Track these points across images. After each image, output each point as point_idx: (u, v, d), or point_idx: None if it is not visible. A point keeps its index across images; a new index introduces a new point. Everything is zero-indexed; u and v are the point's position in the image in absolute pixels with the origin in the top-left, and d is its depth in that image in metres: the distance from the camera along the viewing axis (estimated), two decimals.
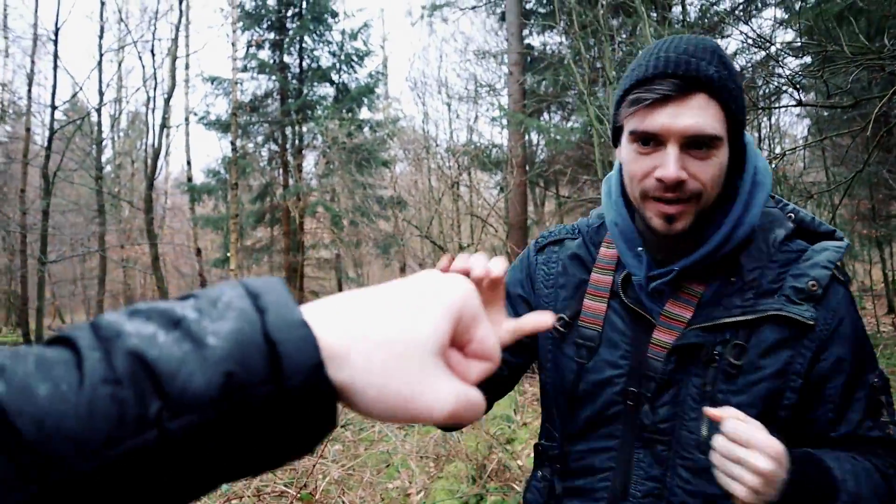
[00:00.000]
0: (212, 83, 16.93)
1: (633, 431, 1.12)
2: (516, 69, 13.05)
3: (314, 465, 4.12)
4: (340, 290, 22.32)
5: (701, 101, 0.98)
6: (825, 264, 1.05)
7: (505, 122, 14.06)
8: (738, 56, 10.87)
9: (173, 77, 16.29)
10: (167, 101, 15.09)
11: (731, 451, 0.89)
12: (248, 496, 3.22)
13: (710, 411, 0.93)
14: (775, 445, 0.89)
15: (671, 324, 1.10)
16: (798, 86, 4.55)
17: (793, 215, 1.16)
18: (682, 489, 1.07)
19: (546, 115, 16.62)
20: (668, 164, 0.99)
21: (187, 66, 19.45)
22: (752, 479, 0.86)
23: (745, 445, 0.88)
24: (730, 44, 11.96)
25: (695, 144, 1.00)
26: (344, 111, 16.62)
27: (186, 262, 25.17)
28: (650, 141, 1.02)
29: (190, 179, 20.69)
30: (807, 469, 0.94)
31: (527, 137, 14.40)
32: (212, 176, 17.95)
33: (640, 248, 1.14)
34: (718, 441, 0.90)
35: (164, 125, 14.50)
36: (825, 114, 12.56)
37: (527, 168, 13.79)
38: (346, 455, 4.53)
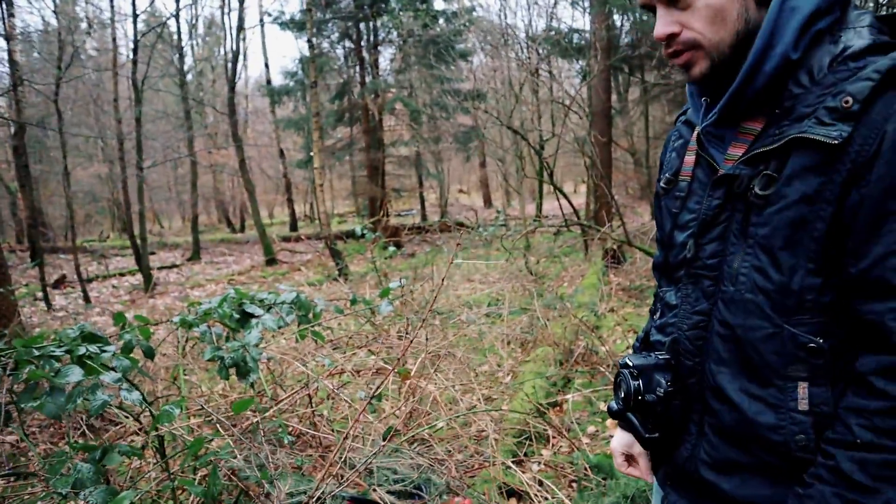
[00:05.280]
0: None
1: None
2: None
3: (408, 346, 4.30)
4: (421, 186, 22.50)
5: None
6: (869, 75, 0.91)
7: (587, 3, 13.29)
8: None
9: None
10: (241, 2, 15.03)
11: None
12: (350, 371, 3.40)
13: None
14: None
15: (728, 164, 1.08)
16: None
17: (873, 27, 0.99)
18: (718, 320, 1.08)
19: None
20: (656, 26, 1.07)
21: None
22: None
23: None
24: None
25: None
26: (418, 2, 16.12)
27: (270, 165, 25.90)
28: (650, 12, 1.10)
29: (269, 82, 20.89)
30: None
31: (609, 21, 13.61)
32: (289, 77, 18.06)
33: (704, 98, 1.16)
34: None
35: (241, 27, 14.49)
36: None
37: (610, 53, 13.12)
38: (434, 339, 4.67)
